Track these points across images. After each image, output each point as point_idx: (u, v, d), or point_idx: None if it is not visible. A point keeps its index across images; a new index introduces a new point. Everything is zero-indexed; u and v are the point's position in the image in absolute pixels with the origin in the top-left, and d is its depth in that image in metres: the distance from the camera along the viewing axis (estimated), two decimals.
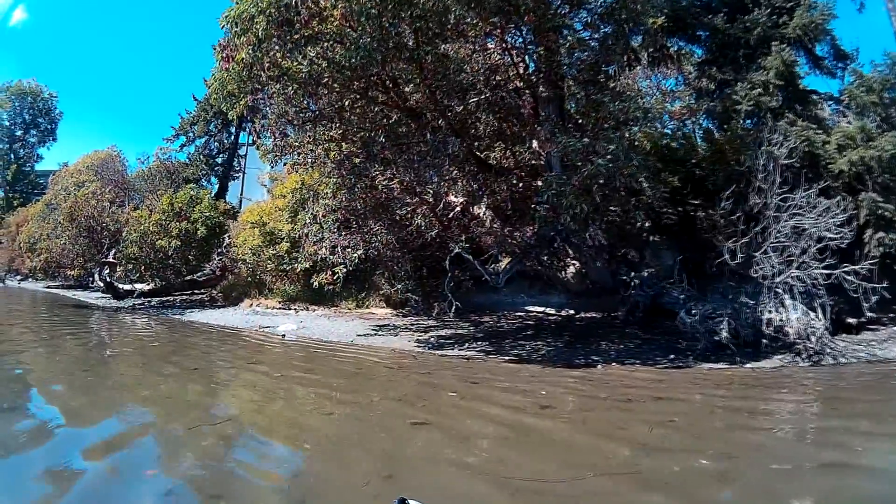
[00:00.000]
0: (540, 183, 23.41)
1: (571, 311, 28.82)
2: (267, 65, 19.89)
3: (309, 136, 24.28)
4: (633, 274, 25.79)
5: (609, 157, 19.24)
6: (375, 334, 26.45)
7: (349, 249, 28.23)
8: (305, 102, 22.92)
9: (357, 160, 24.32)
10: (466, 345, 23.56)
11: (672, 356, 20.13)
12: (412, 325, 28.60)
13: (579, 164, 19.97)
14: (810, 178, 21.73)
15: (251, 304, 37.14)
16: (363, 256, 29.74)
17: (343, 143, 24.38)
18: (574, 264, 28.42)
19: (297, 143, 25.04)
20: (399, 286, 31.25)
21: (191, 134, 54.99)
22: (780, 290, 20.19)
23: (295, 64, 20.51)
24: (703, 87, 28.92)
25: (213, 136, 55.99)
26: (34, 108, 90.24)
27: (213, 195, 48.80)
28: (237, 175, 58.29)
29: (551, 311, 29.40)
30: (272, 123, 24.49)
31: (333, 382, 17.91)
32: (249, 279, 38.48)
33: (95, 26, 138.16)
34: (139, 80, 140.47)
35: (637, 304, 25.48)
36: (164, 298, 44.21)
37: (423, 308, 30.55)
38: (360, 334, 26.48)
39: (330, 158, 25.17)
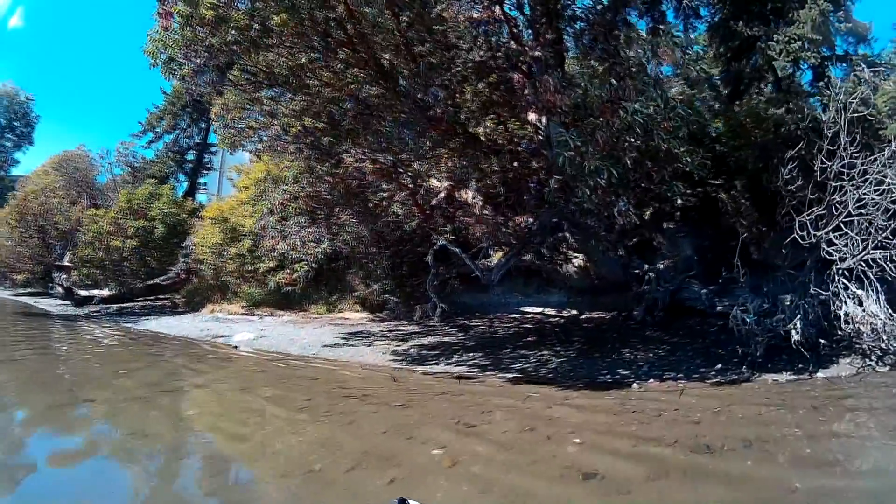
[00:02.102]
0: (535, 165, 19.22)
1: (574, 312, 22.93)
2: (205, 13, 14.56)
3: (265, 108, 18.42)
4: (647, 267, 20.27)
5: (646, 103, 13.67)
6: (345, 344, 20.61)
7: (312, 244, 22.08)
8: (255, 59, 17.02)
9: (322, 137, 18.64)
10: (455, 357, 17.83)
11: (719, 365, 15.08)
12: (390, 331, 22.63)
13: (599, 122, 14.29)
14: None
15: (213, 311, 30.88)
16: (331, 252, 23.95)
17: (305, 118, 18.49)
18: (577, 257, 22.79)
19: (256, 125, 19.20)
20: (375, 287, 25.12)
21: (158, 129, 47.19)
22: (844, 279, 15.07)
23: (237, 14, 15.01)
24: (719, 53, 23.46)
25: (184, 131, 48.40)
26: (10, 111, 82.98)
27: (179, 193, 42.39)
28: (206, 172, 51.60)
29: (551, 311, 23.45)
30: (227, 104, 18.71)
31: (257, 434, 12.07)
32: (211, 282, 32.11)
33: (74, 22, 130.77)
34: (120, 81, 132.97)
35: (655, 302, 20.07)
36: (125, 305, 37.08)
37: (404, 311, 24.51)
38: (326, 344, 20.60)
39: (290, 136, 19.24)
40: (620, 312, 21.45)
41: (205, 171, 50.43)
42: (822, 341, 14.87)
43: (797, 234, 15.27)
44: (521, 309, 23.83)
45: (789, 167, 15.83)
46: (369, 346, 19.99)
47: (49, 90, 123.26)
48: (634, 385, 14.04)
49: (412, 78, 16.67)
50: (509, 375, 15.44)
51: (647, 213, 19.70)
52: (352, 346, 20.21)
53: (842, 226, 14.93)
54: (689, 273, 20.55)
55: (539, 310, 23.50)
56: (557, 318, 22.49)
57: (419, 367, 16.82)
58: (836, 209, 15.10)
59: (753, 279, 17.89)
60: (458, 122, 18.44)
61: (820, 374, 13.84)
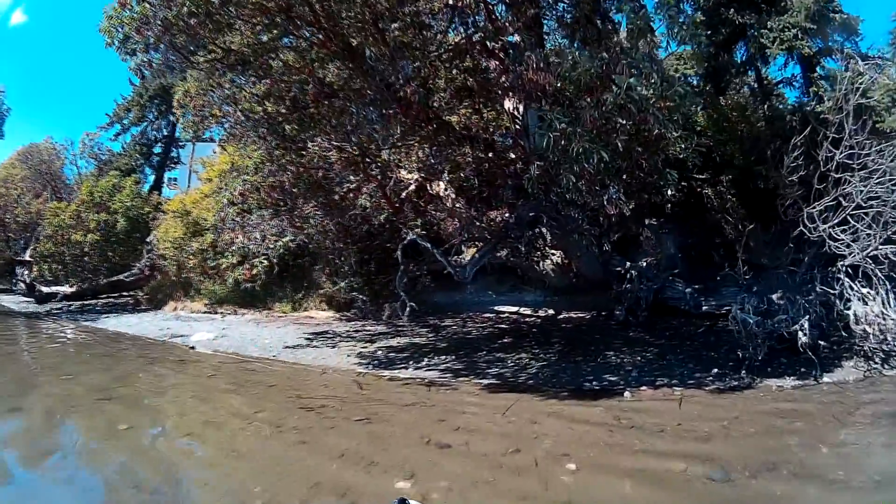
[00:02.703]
0: (512, 156, 17.34)
1: (551, 311, 20.91)
2: None
3: (227, 93, 16.35)
4: (629, 264, 18.42)
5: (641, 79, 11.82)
6: (308, 345, 18.49)
7: (274, 238, 19.87)
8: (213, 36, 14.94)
9: (286, 123, 16.63)
10: (426, 360, 15.76)
11: (715, 370, 13.43)
12: (357, 331, 20.42)
13: (586, 102, 12.35)
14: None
15: (175, 308, 28.42)
16: (296, 248, 21.87)
17: (267, 102, 16.42)
18: (554, 254, 20.84)
19: (219, 113, 17.12)
20: (342, 284, 22.74)
21: (125, 121, 44.02)
22: (847, 278, 13.61)
23: None
24: (706, 43, 21.67)
25: (152, 123, 44.80)
26: None
27: (146, 188, 39.48)
28: (174, 167, 47.69)
29: (526, 311, 21.40)
30: (189, 90, 16.71)
31: (191, 458, 10.08)
32: (174, 279, 29.53)
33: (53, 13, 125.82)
34: (96, 73, 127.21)
35: (638, 302, 18.16)
36: (88, 302, 34.24)
37: (372, 310, 22.26)
38: (288, 345, 18.48)
39: (252, 122, 17.15)
40: (600, 312, 19.50)
41: (172, 165, 46.67)
42: (822, 343, 13.36)
43: (804, 226, 14.04)
44: (496, 308, 21.78)
45: (794, 154, 14.05)
46: (334, 347, 17.91)
47: (22, 83, 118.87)
48: (626, 393, 12.22)
49: (380, 57, 14.68)
50: (486, 381, 13.47)
51: (630, 206, 17.86)
52: (315, 347, 18.12)
53: (849, 219, 13.43)
54: (673, 271, 18.77)
55: (514, 309, 21.47)
56: (534, 318, 20.50)
57: (386, 372, 14.81)
58: (843, 202, 13.57)
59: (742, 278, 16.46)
60: (429, 106, 16.47)
61: (826, 379, 12.32)
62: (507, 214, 17.98)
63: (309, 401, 12.52)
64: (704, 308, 18.01)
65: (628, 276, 18.29)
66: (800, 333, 12.86)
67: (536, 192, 14.68)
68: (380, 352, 16.94)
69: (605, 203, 12.93)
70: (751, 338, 13.30)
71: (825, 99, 16.77)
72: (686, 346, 15.51)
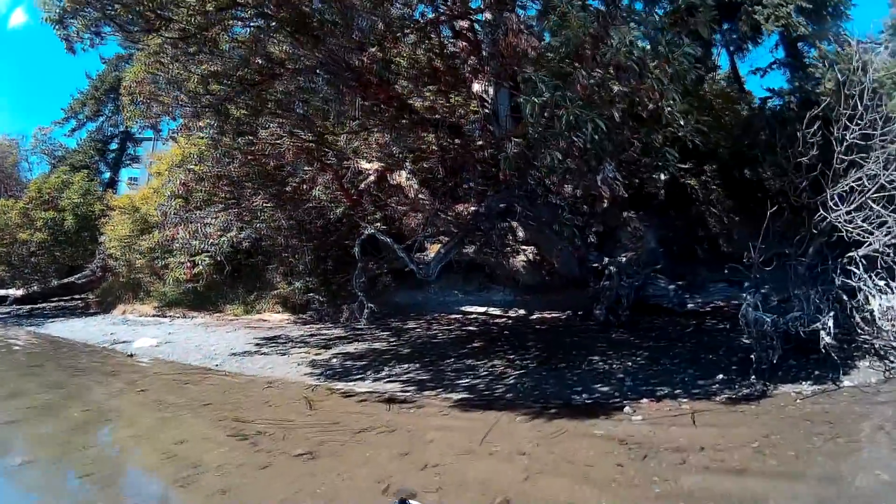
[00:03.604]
0: (481, 142, 15.18)
1: (522, 312, 18.27)
2: None
3: (171, 75, 13.64)
4: (607, 260, 15.94)
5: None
6: (257, 352, 15.65)
7: (218, 233, 16.93)
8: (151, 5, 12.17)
9: (233, 106, 14.05)
10: (386, 369, 12.98)
11: (720, 376, 10.98)
12: (311, 336, 17.55)
13: (572, 70, 9.75)
14: None
15: (124, 312, 25.42)
16: (249, 246, 19.03)
17: (213, 82, 13.68)
18: (526, 250, 18.28)
19: (167, 99, 14.33)
20: (297, 284, 19.98)
21: (81, 116, 40.31)
22: (859, 269, 11.30)
23: None
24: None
25: (108, 118, 40.96)
26: None
27: (97, 184, 35.01)
28: (130, 164, 43.35)
29: (496, 311, 18.71)
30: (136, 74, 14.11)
31: None
32: (124, 281, 26.34)
33: None
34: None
35: (619, 300, 15.62)
36: (37, 306, 31.31)
37: (329, 312, 19.31)
38: (235, 353, 15.63)
39: (198, 106, 14.38)
40: (576, 312, 16.91)
41: (129, 162, 42.75)
42: (828, 341, 10.69)
43: (809, 213, 12.10)
44: (462, 309, 19.13)
45: (807, 134, 11.74)
46: (284, 354, 15.10)
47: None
48: (626, 408, 9.64)
49: (334, 23, 12.06)
50: (456, 396, 10.77)
51: (621, 191, 15.52)
52: (264, 354, 15.30)
53: (870, 203, 11.02)
54: (655, 267, 16.36)
55: (482, 309, 18.82)
56: (505, 319, 17.81)
57: (341, 384, 12.05)
58: (862, 185, 11.22)
59: (726, 274, 13.96)
60: (389, 82, 13.88)
61: (846, 383, 10.14)
62: (473, 208, 15.55)
63: (245, 426, 9.73)
64: (690, 306, 15.95)
65: (607, 272, 15.82)
66: (822, 333, 10.39)
67: (510, 177, 12.24)
68: (335, 360, 14.15)
69: (599, 184, 10.38)
70: (762, 338, 10.88)
71: (825, 79, 14.49)
72: (678, 348, 13.00)
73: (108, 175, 40.91)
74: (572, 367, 12.05)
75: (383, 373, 12.60)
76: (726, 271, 12.71)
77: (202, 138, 16.39)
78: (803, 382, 10.21)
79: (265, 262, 20.72)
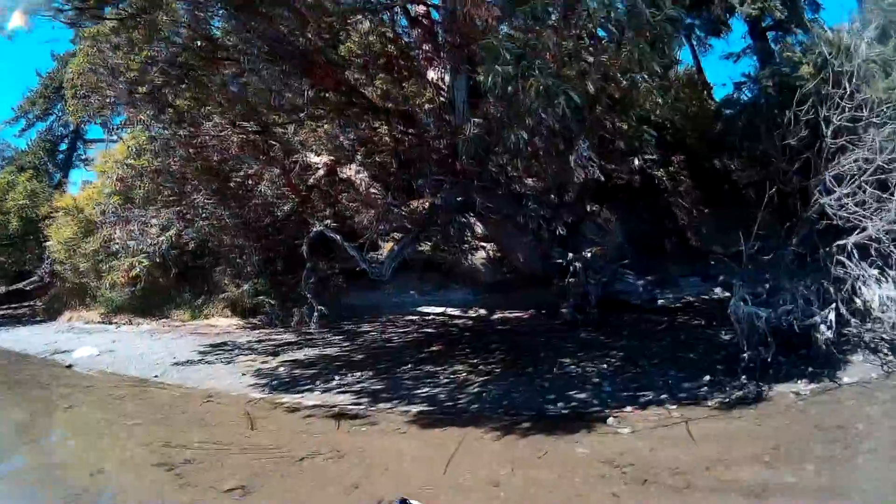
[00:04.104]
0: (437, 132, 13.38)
1: (483, 311, 16.71)
2: None
3: (111, 61, 12.20)
4: (571, 255, 14.40)
5: None
6: (201, 360, 13.89)
7: (157, 232, 15.05)
8: None
9: (175, 97, 12.62)
10: (337, 378, 11.30)
11: (706, 377, 9.65)
12: (260, 342, 15.86)
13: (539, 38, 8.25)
14: None
15: (70, 319, 23.05)
16: (196, 247, 17.23)
17: (154, 70, 12.01)
18: (485, 247, 16.80)
19: (107, 90, 13.01)
20: (245, 287, 18.02)
21: (31, 116, 36.45)
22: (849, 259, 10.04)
23: None
24: None
25: (59, 118, 36.63)
26: None
27: (45, 186, 32.44)
28: (82, 164, 39.21)
29: (454, 311, 17.10)
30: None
31: None
32: (70, 286, 23.78)
33: None
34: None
35: (586, 297, 14.21)
36: None
37: (281, 316, 17.24)
38: (177, 362, 13.84)
39: (137, 93, 12.68)
40: (540, 311, 15.48)
41: (79, 164, 39.30)
42: (820, 335, 9.59)
43: (803, 200, 10.88)
44: (419, 309, 17.52)
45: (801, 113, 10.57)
46: (229, 363, 13.37)
47: None
48: (610, 419, 8.24)
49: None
50: (415, 409, 9.20)
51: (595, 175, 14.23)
52: (208, 363, 13.55)
53: (865, 187, 9.83)
54: (623, 262, 14.97)
55: (440, 310, 17.24)
56: (464, 320, 16.29)
57: (286, 397, 10.39)
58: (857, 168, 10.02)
59: (697, 267, 14.93)
60: (336, 65, 12.34)
61: (846, 380, 9.09)
62: (429, 202, 14.07)
63: (173, 451, 8.08)
64: (660, 302, 14.69)
65: (572, 268, 14.38)
66: (822, 327, 9.32)
67: (468, 167, 10.78)
68: (282, 368, 12.41)
69: (573, 166, 8.88)
70: (752, 335, 9.60)
71: (803, 64, 13.29)
72: (654, 347, 11.63)
73: (58, 177, 38.06)
74: (542, 372, 10.59)
75: (334, 382, 10.95)
76: (713, 262, 11.50)
77: (142, 132, 14.71)
78: (798, 381, 9.04)
79: (213, 263, 18.89)
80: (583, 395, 9.33)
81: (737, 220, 15.68)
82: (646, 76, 8.48)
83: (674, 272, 16.09)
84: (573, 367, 10.77)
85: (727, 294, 14.80)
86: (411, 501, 5.84)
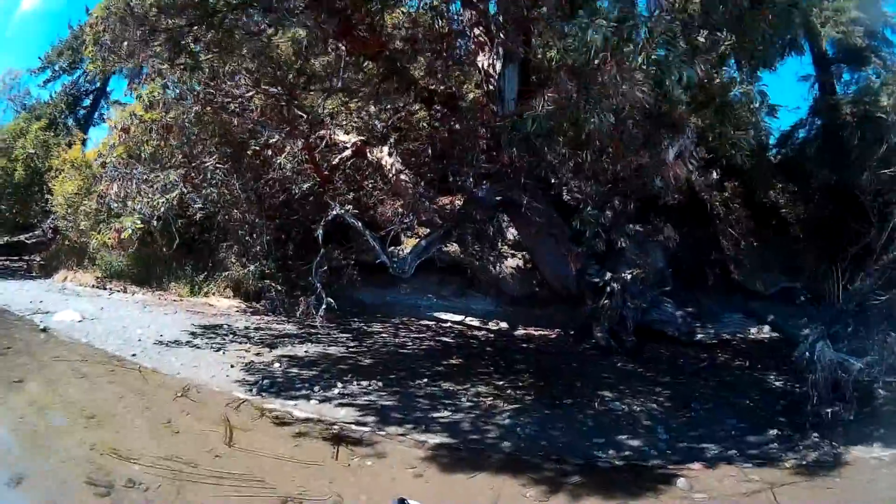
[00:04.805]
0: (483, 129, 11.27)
1: (505, 325, 14.50)
2: None
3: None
4: (609, 275, 12.40)
5: None
6: (188, 343, 11.77)
7: (155, 191, 12.81)
8: None
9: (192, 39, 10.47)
10: (340, 385, 9.19)
11: (773, 431, 7.84)
12: (258, 329, 13.66)
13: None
14: None
15: (65, 279, 20.67)
16: (203, 218, 15.10)
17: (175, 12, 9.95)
18: (515, 256, 14.68)
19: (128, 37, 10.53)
20: (251, 268, 15.73)
21: (56, 67, 32.34)
22: None
23: None
24: None
25: (86, 73, 35.49)
26: None
27: (54, 136, 30.03)
28: (99, 123, 37.90)
29: (474, 321, 14.88)
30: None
31: None
32: (69, 244, 21.40)
33: None
34: None
35: (623, 322, 12.17)
36: None
37: (286, 304, 14.97)
38: (162, 341, 11.76)
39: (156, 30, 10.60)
40: (569, 332, 13.38)
41: (102, 122, 37.35)
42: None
43: None
44: (436, 315, 15.27)
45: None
46: (219, 350, 11.23)
47: None
48: (681, 481, 6.37)
49: None
50: (433, 439, 7.19)
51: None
52: (195, 347, 11.45)
53: None
54: (664, 288, 12.92)
55: (459, 318, 15.03)
56: (485, 332, 14.09)
57: (277, 402, 8.34)
58: None
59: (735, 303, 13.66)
60: (380, 31, 10.38)
61: None
62: (463, 199, 12.11)
63: (119, 465, 6.08)
64: (699, 336, 12.61)
65: (608, 289, 12.34)
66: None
67: (519, 158, 8.83)
68: (277, 364, 10.30)
69: (671, 159, 6.83)
70: (833, 387, 7.83)
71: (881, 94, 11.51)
72: (701, 387, 9.77)
73: (74, 131, 35.54)
74: (581, 405, 8.64)
75: (335, 390, 8.88)
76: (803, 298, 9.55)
77: (157, 83, 12.62)
78: (873, 444, 7.43)
79: (220, 238, 16.75)
80: (636, 442, 7.39)
81: (781, 256, 13.81)
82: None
83: (715, 306, 14.10)
84: (617, 402, 8.80)
85: (774, 335, 13.10)
86: (410, 502, 5.19)
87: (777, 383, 9.94)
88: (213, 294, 16.88)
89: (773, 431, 7.81)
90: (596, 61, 6.02)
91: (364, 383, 9.16)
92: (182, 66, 10.95)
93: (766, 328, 13.26)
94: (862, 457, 7.16)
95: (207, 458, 6.39)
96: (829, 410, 7.65)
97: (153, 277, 18.12)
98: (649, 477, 6.45)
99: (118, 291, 18.07)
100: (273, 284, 15.47)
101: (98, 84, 34.17)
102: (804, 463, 7.04)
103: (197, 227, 16.58)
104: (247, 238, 15.44)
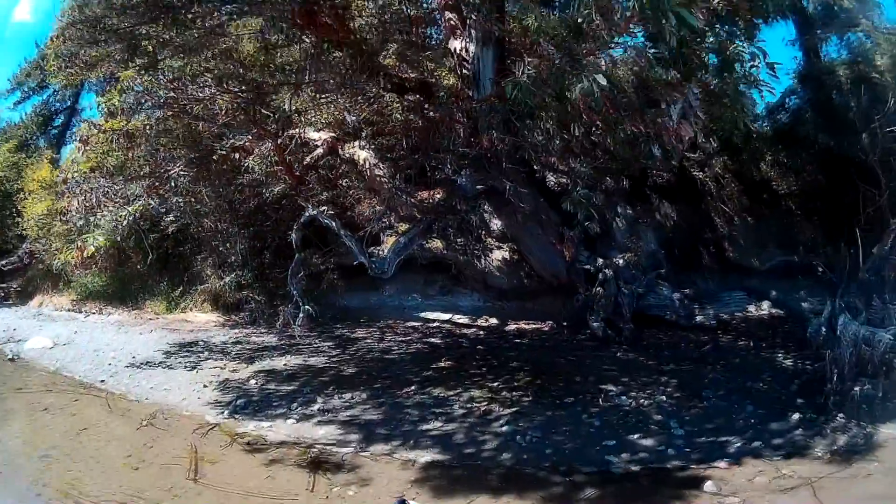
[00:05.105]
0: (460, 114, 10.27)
1: (495, 321, 13.42)
2: None
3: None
4: (601, 261, 11.56)
5: None
6: (162, 363, 10.84)
7: (118, 203, 11.69)
8: None
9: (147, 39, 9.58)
10: (321, 400, 8.20)
11: (795, 416, 7.07)
12: (237, 343, 12.41)
13: None
14: None
15: (41, 303, 19.82)
16: (177, 231, 14.14)
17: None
18: (501, 248, 13.74)
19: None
20: (228, 278, 14.59)
21: (26, 88, 34.24)
22: None
23: None
24: None
25: (56, 92, 34.36)
26: None
27: (25, 158, 28.79)
28: (71, 141, 36.45)
29: (462, 319, 13.78)
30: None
31: None
32: (44, 268, 19.77)
33: None
34: None
35: (619, 310, 11.24)
36: None
37: (266, 314, 13.96)
38: (135, 363, 10.84)
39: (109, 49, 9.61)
40: (562, 323, 12.44)
41: (68, 142, 36.16)
42: None
43: None
44: (423, 315, 14.17)
45: None
46: (193, 368, 10.28)
47: None
48: (709, 484, 5.56)
49: None
50: (424, 457, 6.32)
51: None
52: (169, 367, 10.52)
53: None
54: (659, 271, 12.05)
55: (447, 317, 13.96)
56: (475, 330, 13.08)
57: (251, 424, 7.45)
58: None
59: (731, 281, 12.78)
60: (345, 15, 9.48)
61: None
62: (441, 193, 11.34)
63: None
64: (699, 318, 11.51)
65: (601, 276, 11.47)
66: None
67: (498, 140, 7.98)
68: (254, 381, 9.32)
69: (674, 122, 5.95)
70: (860, 364, 7.07)
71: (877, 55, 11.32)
72: (709, 372, 8.89)
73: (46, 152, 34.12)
74: (585, 403, 7.76)
75: (315, 406, 7.95)
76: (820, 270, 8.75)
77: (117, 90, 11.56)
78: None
79: (195, 250, 15.71)
80: (650, 442, 6.55)
81: (775, 230, 13.01)
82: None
83: (707, 286, 13.27)
84: (623, 397, 7.91)
85: (773, 311, 12.27)
86: (410, 502, 5.02)
87: (787, 362, 9.15)
88: (191, 309, 15.83)
89: (795, 416, 7.04)
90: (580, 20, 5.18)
91: (347, 396, 8.23)
92: (138, 69, 10.02)
93: (765, 306, 12.35)
94: (890, 435, 6.44)
95: (167, 497, 5.48)
96: (856, 388, 6.90)
97: (129, 296, 17.06)
98: (672, 481, 5.64)
99: (94, 313, 17.05)
100: (252, 295, 14.44)
101: (69, 102, 33.01)
102: (835, 448, 6.30)
103: (171, 241, 15.62)
104: (221, 248, 14.50)
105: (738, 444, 6.40)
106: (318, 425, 7.21)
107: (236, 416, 7.66)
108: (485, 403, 7.74)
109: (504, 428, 6.92)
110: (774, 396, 7.82)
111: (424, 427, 7.02)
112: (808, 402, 7.35)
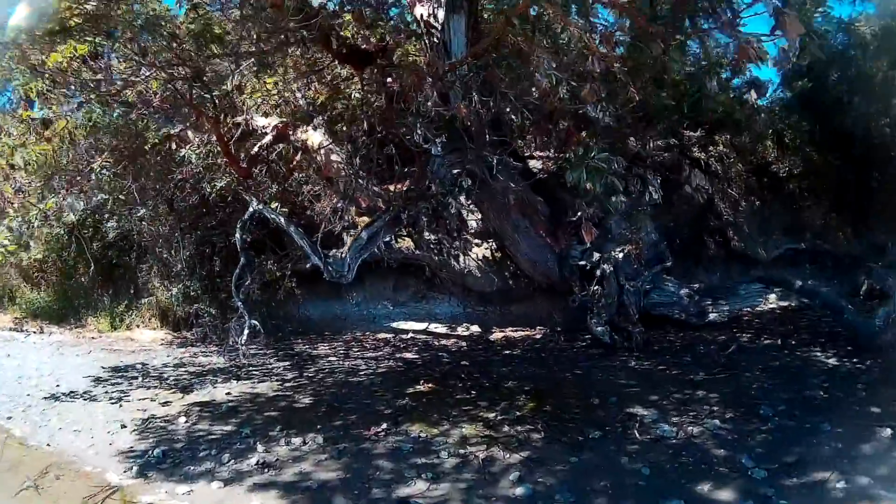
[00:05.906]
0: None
1: (477, 329, 11.32)
2: None
3: None
4: (598, 256, 9.60)
5: None
6: (84, 394, 8.27)
7: (30, 202, 9.27)
8: None
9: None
10: (260, 448, 5.74)
11: (884, 431, 5.13)
12: (180, 366, 10.07)
13: None
14: None
15: None
16: (119, 238, 11.98)
17: None
18: (482, 244, 11.51)
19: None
20: (175, 290, 12.25)
21: None
22: None
23: None
24: None
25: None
26: None
27: None
28: None
29: (440, 328, 11.61)
30: None
31: None
32: None
33: None
34: None
35: (624, 311, 9.38)
36: None
37: (218, 330, 11.20)
38: (55, 394, 8.35)
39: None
40: (556, 328, 10.38)
41: None
42: None
43: None
44: (394, 325, 11.91)
45: None
46: (118, 401, 7.82)
47: None
48: None
49: None
50: None
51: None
52: (92, 399, 8.10)
53: None
54: (664, 265, 10.01)
55: (422, 326, 11.72)
56: (455, 341, 10.84)
57: (163, 486, 5.06)
58: None
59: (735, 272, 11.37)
60: None
61: None
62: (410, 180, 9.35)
63: None
64: (712, 316, 9.73)
65: (598, 273, 9.44)
66: None
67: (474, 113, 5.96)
68: (183, 418, 6.87)
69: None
70: None
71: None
72: (749, 381, 7.01)
73: None
74: (616, 436, 5.64)
75: (253, 457, 5.52)
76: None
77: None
78: None
79: (140, 259, 13.30)
80: (728, 494, 4.42)
81: (779, 216, 12.01)
82: None
83: (711, 278, 11.37)
84: (664, 425, 5.74)
85: (784, 304, 10.50)
86: (412, 502, 4.36)
87: (831, 361, 7.58)
88: (138, 325, 13.40)
89: (887, 431, 5.20)
90: None
91: (297, 441, 5.83)
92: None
93: (772, 298, 10.79)
94: None
95: None
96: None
97: (73, 313, 14.61)
98: None
99: (34, 332, 14.52)
100: (203, 308, 12.08)
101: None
102: None
103: (115, 250, 13.27)
104: (166, 255, 12.15)
105: (841, 485, 4.37)
106: (252, 490, 4.86)
107: (147, 475, 5.29)
108: (483, 447, 5.42)
109: (518, 490, 4.64)
110: (844, 408, 5.97)
111: (402, 492, 4.73)
112: (888, 412, 5.63)
